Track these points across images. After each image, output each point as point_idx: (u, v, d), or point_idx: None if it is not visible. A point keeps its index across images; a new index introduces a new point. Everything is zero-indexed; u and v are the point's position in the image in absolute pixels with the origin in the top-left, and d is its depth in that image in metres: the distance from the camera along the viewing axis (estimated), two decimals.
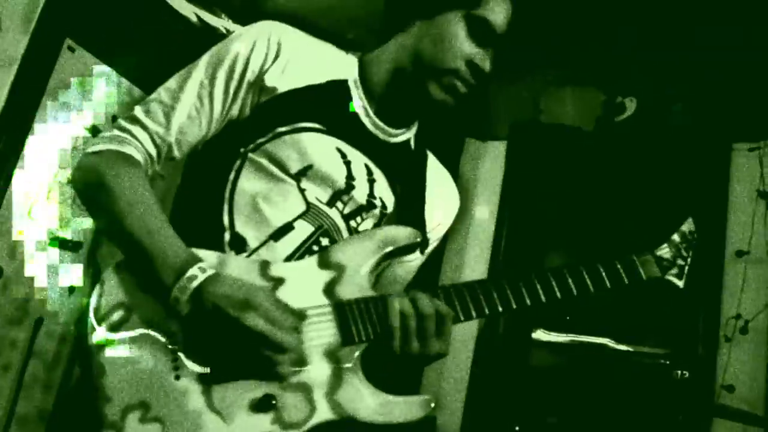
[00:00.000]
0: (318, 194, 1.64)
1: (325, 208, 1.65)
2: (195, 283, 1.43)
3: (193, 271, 1.44)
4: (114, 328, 1.44)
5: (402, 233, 1.63)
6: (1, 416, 3.48)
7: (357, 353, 1.52)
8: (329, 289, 1.55)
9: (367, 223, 1.71)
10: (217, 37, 4.12)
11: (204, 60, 1.67)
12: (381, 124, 1.75)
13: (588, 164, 4.57)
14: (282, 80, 1.65)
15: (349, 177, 1.67)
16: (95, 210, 1.60)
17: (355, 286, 1.56)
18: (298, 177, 1.62)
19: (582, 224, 4.53)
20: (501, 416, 4.37)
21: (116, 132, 1.61)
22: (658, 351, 4.14)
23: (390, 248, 1.60)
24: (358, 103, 1.74)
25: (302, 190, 1.62)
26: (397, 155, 1.78)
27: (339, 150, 1.67)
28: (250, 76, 1.64)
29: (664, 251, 1.70)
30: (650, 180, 4.31)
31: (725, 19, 3.60)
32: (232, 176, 1.62)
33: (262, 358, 1.43)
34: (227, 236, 1.59)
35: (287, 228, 1.60)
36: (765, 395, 3.71)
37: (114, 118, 3.84)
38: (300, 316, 1.50)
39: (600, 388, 4.20)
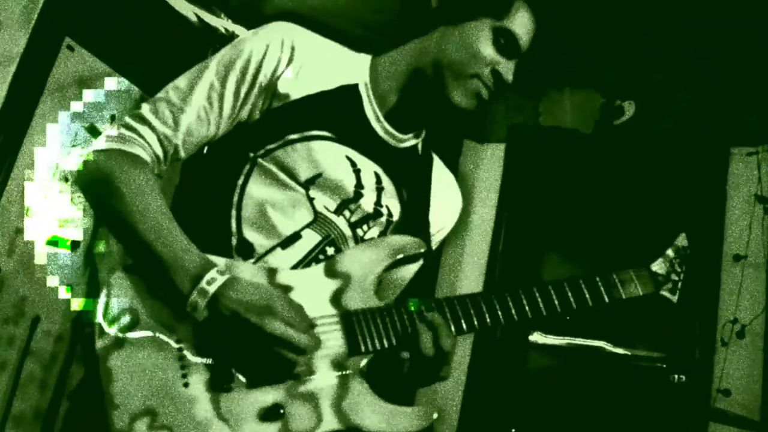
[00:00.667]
0: (326, 203, 1.64)
1: (333, 217, 1.64)
2: (214, 287, 1.42)
3: (211, 274, 1.43)
4: (122, 333, 1.43)
5: (408, 243, 1.64)
6: None
7: (363, 363, 1.53)
8: (336, 298, 1.55)
9: (374, 232, 1.71)
10: (216, 36, 4.13)
11: (215, 61, 1.64)
12: (391, 129, 1.74)
13: (586, 167, 4.58)
14: (295, 86, 1.64)
15: (358, 185, 1.66)
16: (102, 211, 1.58)
17: (361, 295, 1.57)
18: (307, 185, 1.61)
19: (580, 227, 4.53)
20: (497, 418, 4.37)
21: (123, 131, 1.58)
22: (654, 354, 4.15)
23: (396, 257, 1.61)
24: (369, 109, 1.73)
25: (311, 199, 1.62)
26: (405, 161, 1.77)
27: (349, 158, 1.66)
28: (262, 79, 1.62)
29: (659, 266, 1.72)
30: (648, 183, 4.32)
31: (724, 23, 3.61)
32: (240, 181, 1.61)
33: (280, 361, 1.43)
34: (234, 242, 1.58)
35: (295, 237, 1.60)
36: (761, 400, 3.72)
37: (113, 118, 3.83)
38: (311, 321, 1.50)
39: (596, 392, 4.21)
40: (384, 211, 1.71)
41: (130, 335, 1.44)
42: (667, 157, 4.33)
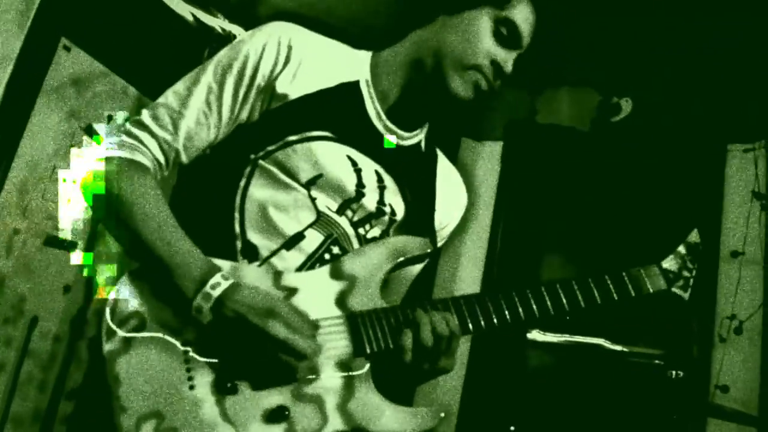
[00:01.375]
0: (328, 203, 1.64)
1: (335, 216, 1.64)
2: (218, 291, 1.43)
3: (215, 278, 1.44)
4: (129, 337, 1.44)
5: (413, 244, 1.64)
6: None
7: (368, 364, 1.54)
8: (341, 300, 1.56)
9: (376, 231, 1.71)
10: (213, 36, 4.12)
11: (213, 63, 1.64)
12: (393, 127, 1.74)
13: (583, 165, 4.58)
14: (293, 86, 1.63)
15: (359, 185, 1.66)
16: (108, 219, 1.58)
17: (367, 296, 1.57)
18: (308, 186, 1.61)
19: (578, 224, 4.54)
20: (496, 416, 4.38)
21: (124, 138, 1.59)
22: (652, 351, 4.16)
23: (401, 259, 1.61)
24: (371, 107, 1.73)
25: (312, 199, 1.62)
26: (408, 159, 1.77)
27: (350, 158, 1.65)
28: (260, 80, 1.62)
29: (670, 263, 1.71)
30: (645, 181, 4.33)
31: (720, 20, 3.61)
32: (242, 183, 1.61)
33: (282, 365, 1.44)
34: (239, 245, 1.58)
35: (298, 237, 1.60)
36: (759, 395, 3.74)
37: (110, 118, 3.82)
38: (314, 326, 1.50)
39: (595, 388, 4.22)
40: (387, 209, 1.71)
41: (138, 339, 1.44)
42: (664, 154, 4.34)
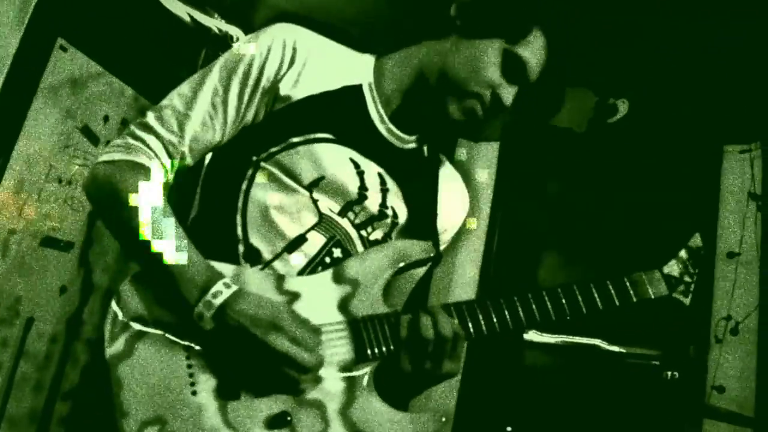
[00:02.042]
0: (330, 205, 1.63)
1: (337, 218, 1.64)
2: (220, 300, 1.43)
3: (217, 287, 1.44)
4: (131, 341, 1.44)
5: (416, 248, 1.64)
6: None
7: (369, 370, 1.53)
8: (343, 305, 1.55)
9: (378, 233, 1.70)
10: (209, 37, 4.11)
11: (217, 66, 1.64)
12: (395, 130, 1.74)
13: (580, 166, 4.59)
14: (297, 88, 1.64)
15: (362, 188, 1.66)
16: (111, 222, 1.58)
17: (369, 301, 1.57)
18: (310, 188, 1.61)
19: (574, 225, 4.54)
20: (493, 416, 4.38)
21: (129, 140, 1.59)
22: (649, 352, 4.17)
23: (403, 263, 1.61)
24: (374, 110, 1.72)
25: (315, 201, 1.61)
26: (410, 162, 1.77)
27: (352, 160, 1.65)
28: (264, 82, 1.62)
29: (672, 268, 1.71)
30: (642, 182, 4.34)
31: (716, 22, 3.61)
32: (244, 186, 1.61)
33: (284, 377, 1.44)
34: (241, 248, 1.58)
35: (300, 240, 1.59)
36: (755, 396, 3.75)
37: (106, 118, 3.82)
38: (317, 335, 1.49)
39: (592, 389, 4.22)
40: (389, 212, 1.71)
41: (140, 343, 1.44)
42: (661, 155, 4.34)
